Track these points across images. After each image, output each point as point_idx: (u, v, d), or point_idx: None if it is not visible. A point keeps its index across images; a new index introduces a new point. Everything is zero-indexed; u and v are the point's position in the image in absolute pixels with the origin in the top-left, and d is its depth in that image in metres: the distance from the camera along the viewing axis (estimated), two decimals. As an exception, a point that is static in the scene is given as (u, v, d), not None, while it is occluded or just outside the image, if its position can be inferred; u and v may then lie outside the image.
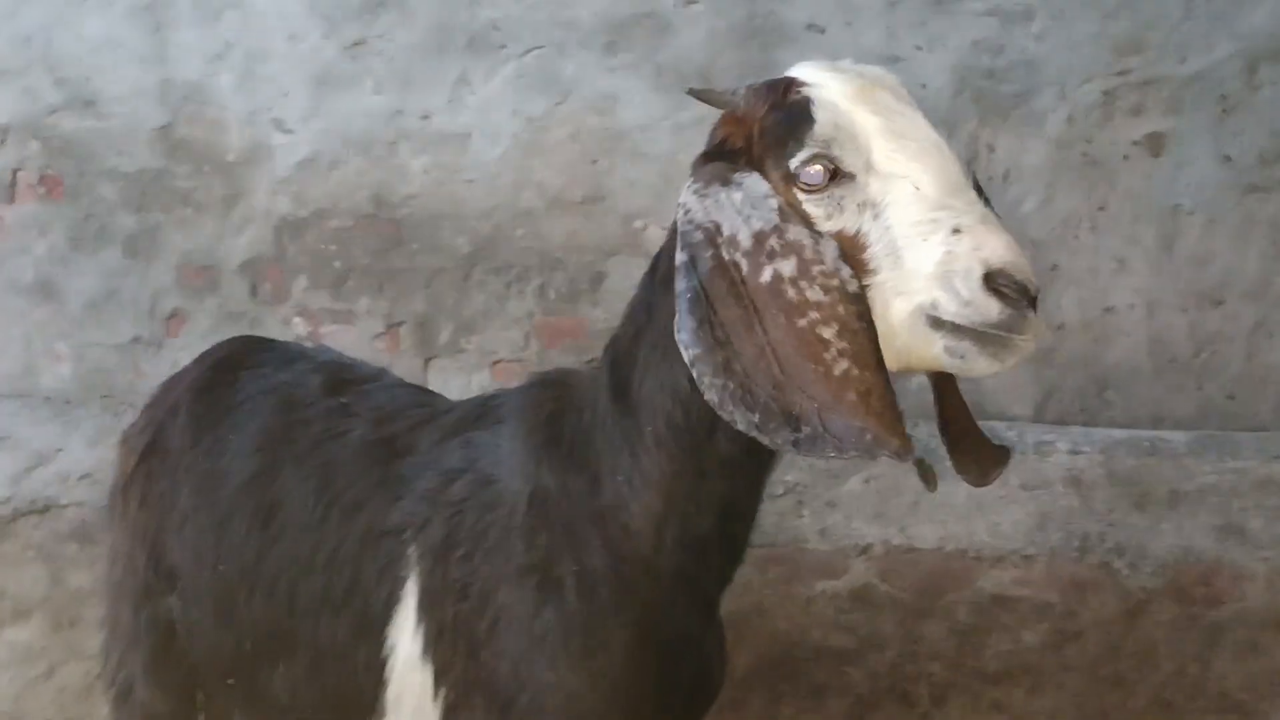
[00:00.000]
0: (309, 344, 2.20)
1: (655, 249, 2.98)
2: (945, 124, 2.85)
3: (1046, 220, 2.82)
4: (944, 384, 1.52)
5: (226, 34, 3.21)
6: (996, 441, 1.54)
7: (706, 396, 1.31)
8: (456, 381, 3.19)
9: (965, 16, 2.81)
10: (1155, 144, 2.76)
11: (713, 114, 2.98)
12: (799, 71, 1.44)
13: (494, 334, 3.16)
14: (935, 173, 1.32)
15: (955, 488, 2.42)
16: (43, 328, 3.31)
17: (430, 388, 3.19)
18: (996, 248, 1.24)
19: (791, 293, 1.30)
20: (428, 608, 1.63)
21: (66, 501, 2.56)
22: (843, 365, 1.26)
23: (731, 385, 1.30)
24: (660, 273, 1.53)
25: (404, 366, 3.21)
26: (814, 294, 1.29)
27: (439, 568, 1.63)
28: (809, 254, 1.31)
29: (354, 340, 3.22)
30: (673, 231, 1.50)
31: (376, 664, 1.67)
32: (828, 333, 1.27)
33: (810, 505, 2.38)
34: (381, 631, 1.67)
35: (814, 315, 1.28)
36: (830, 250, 1.32)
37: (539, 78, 3.07)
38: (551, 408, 1.67)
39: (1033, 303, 1.25)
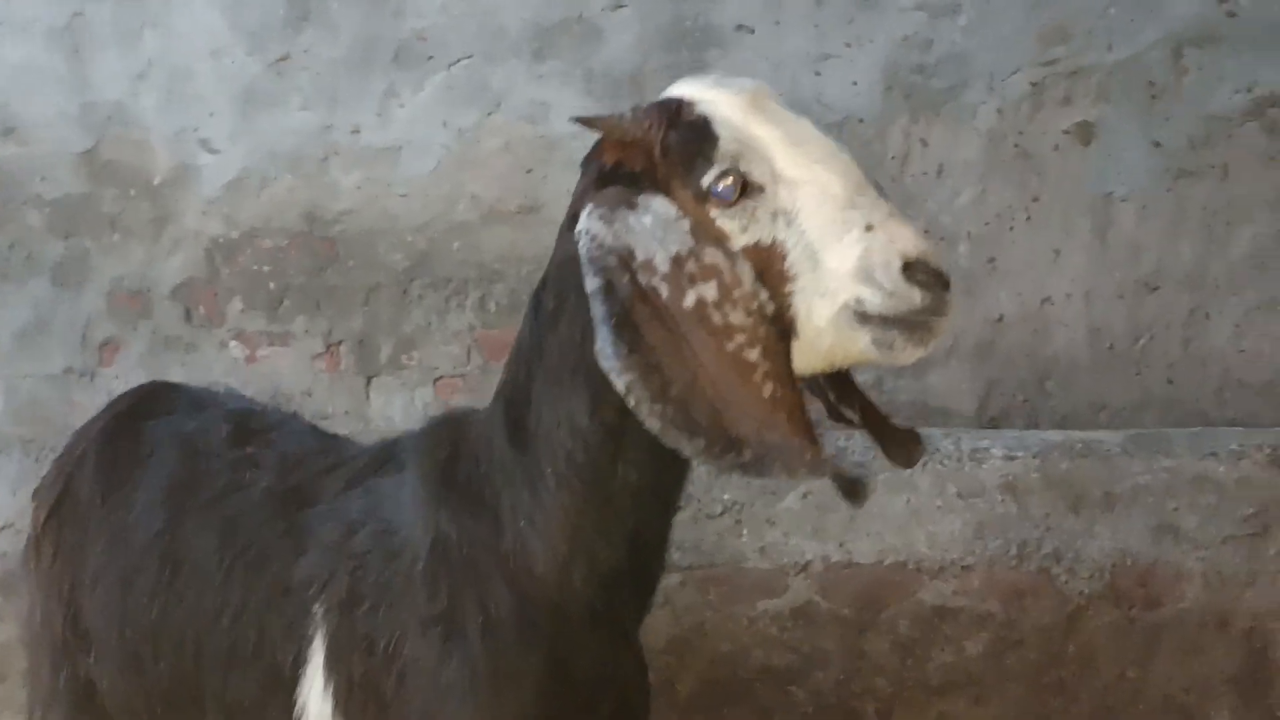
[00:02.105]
0: (220, 388, 2.17)
1: (593, 257, 2.98)
2: (877, 120, 2.85)
3: (981, 214, 2.82)
4: (846, 380, 1.54)
5: (147, 54, 3.14)
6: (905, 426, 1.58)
7: (647, 424, 1.29)
8: (400, 399, 3.15)
9: (892, 12, 2.80)
10: (1085, 133, 2.77)
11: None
12: (684, 90, 1.42)
13: (435, 349, 3.12)
14: (839, 175, 1.34)
15: (892, 499, 2.43)
16: (-29, 361, 3.24)
17: (373, 406, 3.19)
18: (910, 239, 1.29)
19: (716, 317, 1.30)
20: (335, 664, 1.60)
21: None
22: (770, 387, 1.28)
23: (671, 411, 1.29)
24: (545, 311, 1.50)
25: (345, 386, 3.17)
26: (737, 317, 1.30)
27: (345, 623, 1.60)
28: (728, 276, 1.31)
29: (293, 361, 3.18)
30: (558, 265, 1.48)
31: None
32: (753, 355, 1.29)
33: (749, 524, 2.37)
34: (291, 691, 1.63)
35: (740, 339, 1.29)
36: (747, 271, 1.32)
37: (468, 88, 3.03)
38: (449, 451, 1.64)
39: (947, 285, 1.30)
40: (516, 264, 3.06)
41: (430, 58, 3.04)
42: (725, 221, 1.34)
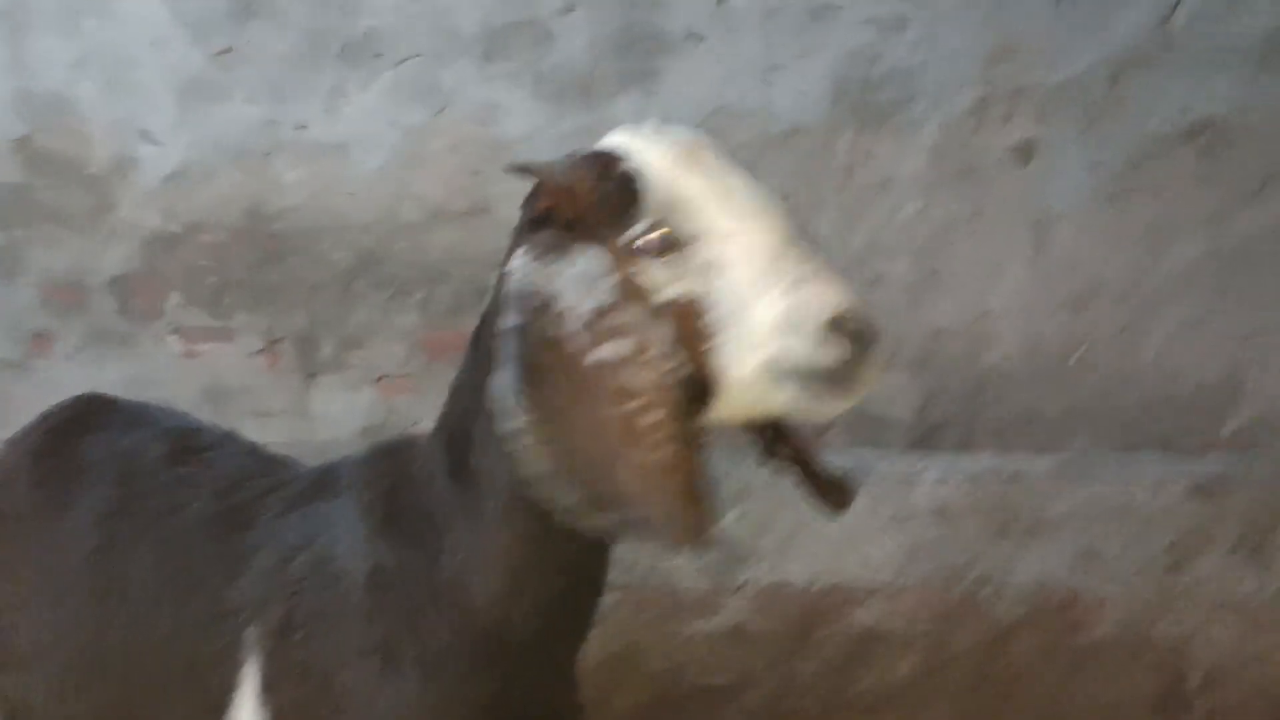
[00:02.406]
0: (157, 403, 2.12)
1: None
2: (824, 131, 2.88)
3: (925, 226, 2.86)
4: (783, 427, 1.54)
5: (87, 41, 3.07)
6: (837, 470, 1.57)
7: (525, 470, 1.31)
8: (341, 398, 3.13)
9: (842, 26, 2.83)
10: (1026, 151, 2.83)
11: (597, 125, 2.96)
12: (618, 141, 1.44)
13: (378, 349, 3.10)
14: (768, 229, 1.34)
15: (827, 522, 2.45)
16: (-103, 352, 3.15)
17: (314, 405, 3.15)
18: (835, 294, 1.29)
19: (622, 375, 1.29)
20: (268, 693, 1.57)
21: None
22: (664, 452, 1.28)
23: (552, 462, 1.31)
24: (484, 350, 1.49)
25: (286, 384, 3.14)
26: (643, 378, 1.29)
27: (279, 650, 1.58)
28: (643, 337, 1.31)
29: (232, 357, 3.14)
30: (494, 302, 1.48)
31: None
32: (651, 419, 1.28)
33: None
34: (223, 718, 1.61)
35: (640, 401, 1.28)
36: (665, 333, 1.32)
37: (417, 87, 3.01)
38: (390, 481, 1.62)
39: (872, 341, 1.30)
40: (462, 265, 3.04)
41: (379, 55, 3.01)
42: (653, 274, 1.34)
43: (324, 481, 1.72)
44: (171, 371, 3.15)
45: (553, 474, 1.30)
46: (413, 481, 1.59)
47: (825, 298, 1.28)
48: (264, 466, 1.86)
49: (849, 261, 2.89)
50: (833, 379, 1.28)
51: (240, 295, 3.12)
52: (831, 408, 1.31)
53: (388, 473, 1.64)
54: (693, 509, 1.28)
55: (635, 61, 2.93)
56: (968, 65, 2.81)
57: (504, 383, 1.32)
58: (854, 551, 2.40)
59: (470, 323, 3.01)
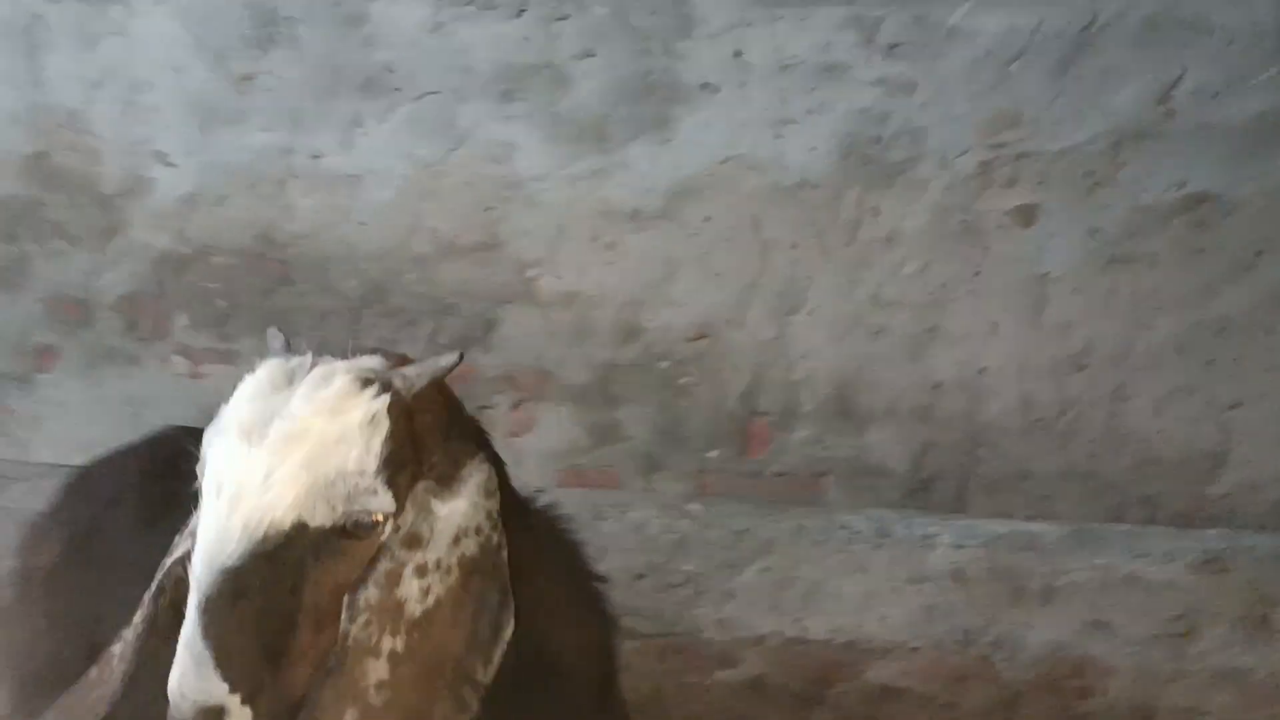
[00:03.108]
0: None
1: (548, 299, 3.04)
2: (832, 185, 2.95)
3: (926, 283, 2.94)
4: None
5: (106, 61, 3.11)
6: None
7: None
8: (343, 424, 3.15)
9: (852, 85, 2.91)
10: (1027, 215, 2.91)
11: (610, 169, 3.02)
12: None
13: (383, 378, 3.13)
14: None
15: (847, 580, 2.53)
16: (-100, 360, 3.16)
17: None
18: (172, 688, 1.20)
19: None
20: None
21: None
22: None
23: None
24: None
25: (289, 408, 3.16)
26: None
27: None
28: None
29: (238, 380, 3.14)
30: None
31: None
32: None
33: (708, 595, 2.44)
34: None
35: None
36: None
37: (434, 123, 3.06)
38: None
39: None
40: (470, 300, 3.09)
41: (397, 89, 3.05)
42: None
43: None
44: (174, 391, 3.17)
45: None
46: None
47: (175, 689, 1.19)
48: None
49: (852, 314, 2.96)
50: None
51: (248, 319, 3.15)
52: None
53: None
54: None
55: (650, 108, 2.99)
56: (973, 129, 2.89)
57: None
58: (872, 610, 2.46)
59: (477, 357, 3.08)
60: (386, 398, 1.30)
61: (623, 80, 2.99)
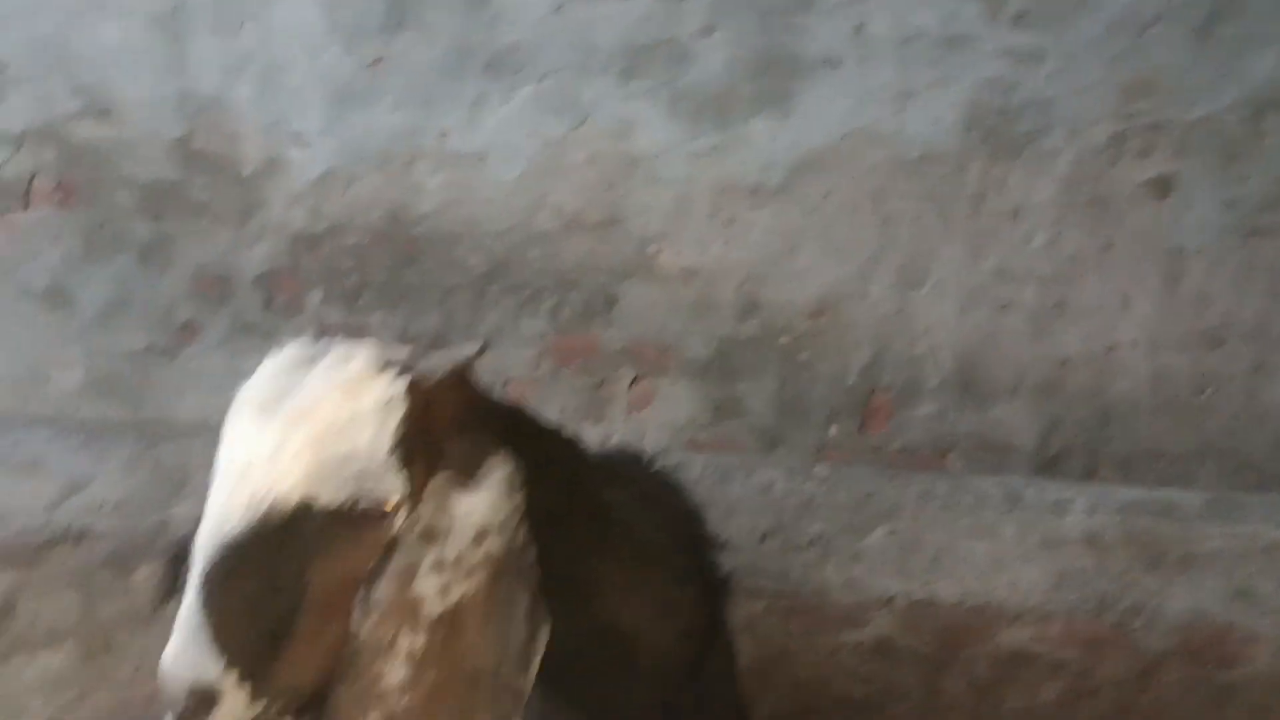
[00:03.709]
0: None
1: (668, 274, 3.07)
2: (956, 158, 2.91)
3: (1053, 257, 2.88)
4: None
5: (246, 46, 3.23)
6: None
7: None
8: (468, 397, 3.23)
9: (978, 55, 2.86)
10: (1161, 186, 2.83)
11: (726, 145, 3.04)
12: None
13: (507, 352, 3.20)
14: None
15: (975, 544, 2.50)
16: (54, 334, 3.34)
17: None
18: (163, 664, 1.16)
19: None
20: None
21: (100, 530, 2.58)
22: None
23: None
24: None
25: (416, 381, 3.25)
26: None
27: None
28: None
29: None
30: None
31: None
32: None
33: (835, 557, 2.44)
34: None
35: None
36: None
37: (557, 101, 3.11)
38: None
39: (191, 716, 1.15)
40: (592, 274, 3.14)
41: (521, 69, 3.11)
42: None
43: None
44: (309, 365, 3.29)
45: None
46: None
47: (166, 664, 1.15)
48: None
49: (976, 288, 2.92)
50: None
51: (378, 295, 3.25)
52: None
53: None
54: None
55: (771, 83, 2.99)
56: (1105, 99, 2.82)
57: None
58: (1002, 574, 2.43)
59: (599, 331, 3.13)
60: (405, 381, 1.23)
61: (744, 56, 3.00)
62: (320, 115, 3.23)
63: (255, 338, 3.29)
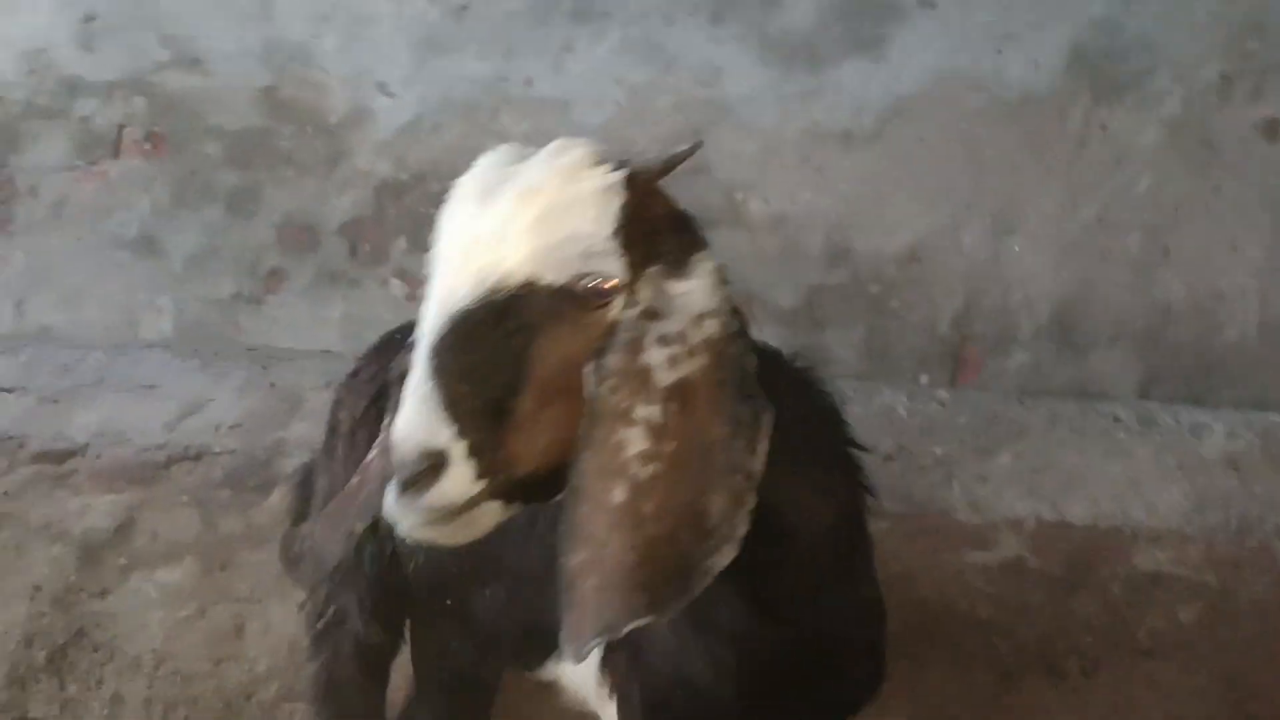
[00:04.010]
0: None
1: (756, 222, 3.02)
2: (1056, 102, 2.83)
3: (1159, 203, 2.80)
4: None
5: (332, -3, 3.24)
6: None
7: None
8: (550, 347, 3.22)
9: (1082, -5, 2.78)
10: (1273, 129, 2.73)
11: (820, 89, 2.97)
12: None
13: (591, 300, 3.17)
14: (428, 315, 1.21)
15: (1109, 465, 2.44)
16: (145, 281, 3.37)
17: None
18: (397, 429, 1.16)
19: None
20: None
21: (218, 449, 2.61)
22: None
23: None
24: None
25: (499, 331, 3.24)
26: None
27: None
28: None
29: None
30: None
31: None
32: None
33: (960, 478, 2.39)
34: None
35: None
36: None
37: (643, 47, 3.07)
38: None
39: (416, 483, 1.15)
40: (678, 223, 3.09)
41: (607, 14, 3.08)
42: None
43: None
44: (393, 313, 3.28)
45: None
46: None
47: (400, 429, 1.17)
48: None
49: (1075, 235, 2.84)
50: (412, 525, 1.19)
51: (462, 244, 3.23)
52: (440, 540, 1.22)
53: None
54: None
55: (863, 27, 2.93)
56: (1215, 39, 2.73)
57: None
58: (1138, 496, 2.37)
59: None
60: (623, 173, 1.26)
61: (835, 0, 2.94)
62: (406, 64, 3.22)
63: (340, 285, 3.30)
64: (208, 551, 2.47)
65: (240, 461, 2.58)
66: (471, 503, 1.17)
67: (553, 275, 1.20)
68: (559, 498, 1.24)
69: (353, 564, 1.98)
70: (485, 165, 1.30)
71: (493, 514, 1.20)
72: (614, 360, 1.21)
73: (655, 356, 1.22)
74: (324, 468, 2.09)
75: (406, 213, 3.27)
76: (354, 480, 1.50)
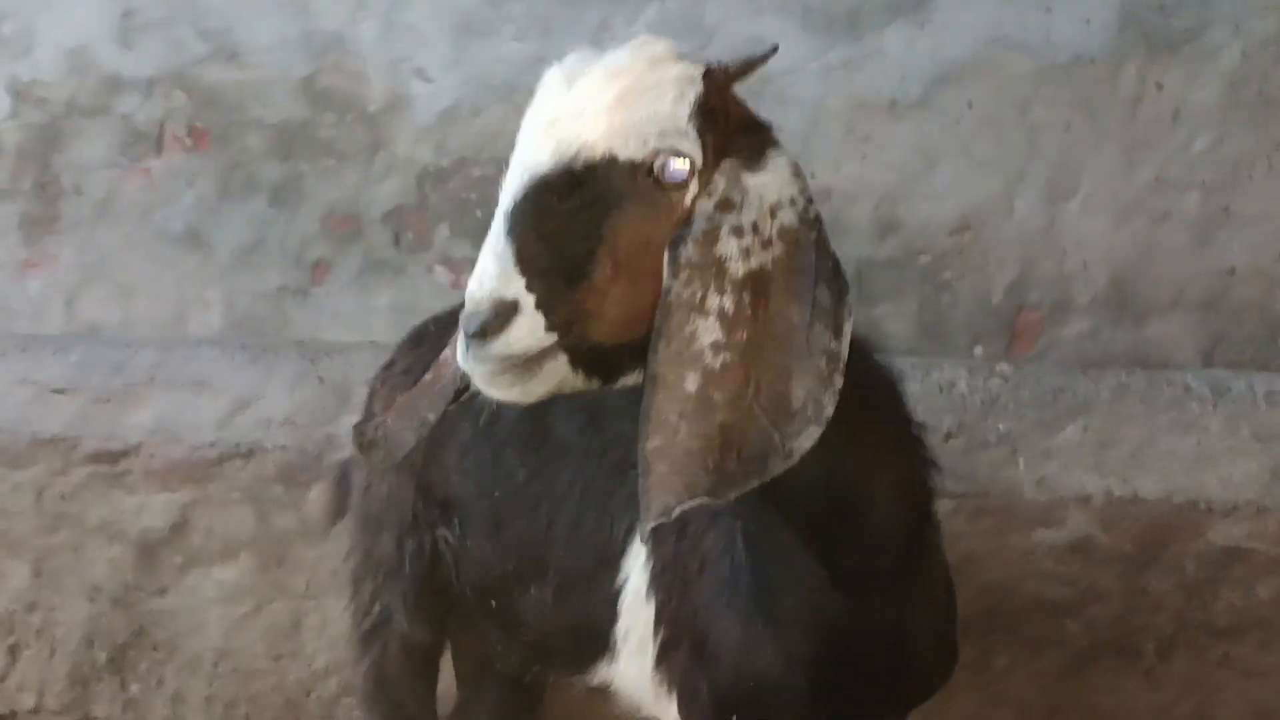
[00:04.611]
0: None
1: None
2: (1109, 61, 2.75)
3: (1217, 162, 2.72)
4: None
5: (368, -18, 3.22)
6: None
7: None
8: (597, 329, 3.20)
9: (1133, -51, 2.70)
10: (1336, 80, 2.64)
11: (864, 58, 2.92)
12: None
13: (636, 281, 3.15)
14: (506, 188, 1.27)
15: (1181, 439, 2.38)
16: (192, 275, 3.39)
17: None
18: (470, 281, 1.22)
19: None
20: (655, 542, 1.64)
21: (270, 445, 2.63)
22: None
23: None
24: None
25: (545, 314, 3.23)
26: None
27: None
28: None
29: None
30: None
31: (611, 595, 1.72)
32: None
33: (1025, 455, 2.34)
34: (619, 561, 1.71)
35: None
36: None
37: (682, 21, 3.03)
38: None
39: (474, 335, 1.20)
40: (723, 198, 3.06)
41: (645, -11, 3.04)
42: None
43: None
44: (438, 301, 3.26)
45: None
46: None
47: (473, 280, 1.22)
48: None
49: (1132, 198, 2.77)
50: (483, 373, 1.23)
51: (505, 228, 3.22)
52: (499, 396, 1.26)
53: None
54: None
55: (909, -7, 2.86)
56: (1272, -11, 2.64)
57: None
58: (1211, 469, 2.30)
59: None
60: (702, 67, 1.33)
61: (876, -35, 2.88)
62: (443, 49, 3.20)
63: (385, 275, 3.30)
64: (263, 548, 2.49)
65: (292, 457, 2.60)
66: (541, 355, 1.21)
67: (632, 151, 1.24)
68: (627, 382, 1.30)
69: (394, 562, 1.99)
70: (575, 55, 1.33)
71: (561, 372, 1.24)
72: (689, 251, 1.24)
73: (729, 248, 1.25)
74: (357, 464, 2.10)
75: (449, 198, 3.26)
76: (428, 375, 1.53)
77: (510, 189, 1.25)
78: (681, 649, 1.63)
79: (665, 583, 1.65)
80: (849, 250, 2.95)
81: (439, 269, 3.29)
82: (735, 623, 1.58)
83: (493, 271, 1.20)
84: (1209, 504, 2.28)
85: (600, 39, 3.05)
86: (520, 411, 1.86)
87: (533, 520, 1.86)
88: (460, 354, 1.22)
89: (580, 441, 1.83)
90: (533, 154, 1.25)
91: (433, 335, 2.16)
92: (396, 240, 3.30)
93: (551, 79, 1.31)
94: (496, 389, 1.24)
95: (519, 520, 1.88)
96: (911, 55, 2.88)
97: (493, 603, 1.94)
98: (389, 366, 2.23)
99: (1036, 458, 2.35)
